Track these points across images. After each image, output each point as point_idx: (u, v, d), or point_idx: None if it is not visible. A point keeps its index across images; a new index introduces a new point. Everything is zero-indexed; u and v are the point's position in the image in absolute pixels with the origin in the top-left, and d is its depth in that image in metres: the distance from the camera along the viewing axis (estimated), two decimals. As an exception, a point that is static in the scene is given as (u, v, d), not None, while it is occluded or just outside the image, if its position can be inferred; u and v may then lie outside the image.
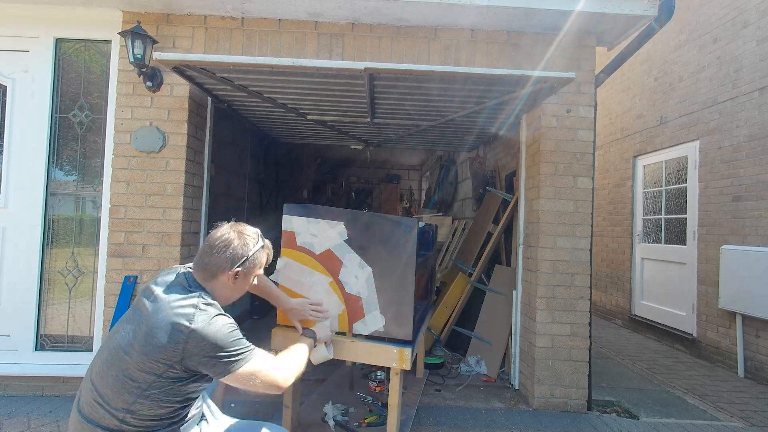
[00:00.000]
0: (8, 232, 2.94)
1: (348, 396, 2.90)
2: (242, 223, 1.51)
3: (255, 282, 1.57)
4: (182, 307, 1.29)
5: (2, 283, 2.93)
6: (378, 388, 2.99)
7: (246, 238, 1.45)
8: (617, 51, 3.13)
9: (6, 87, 2.96)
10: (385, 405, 2.65)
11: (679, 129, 4.91)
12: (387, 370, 2.97)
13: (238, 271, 1.41)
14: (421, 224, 2.73)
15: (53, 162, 3.00)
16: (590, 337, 2.98)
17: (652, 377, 3.78)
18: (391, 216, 2.30)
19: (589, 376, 2.97)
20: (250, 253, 1.44)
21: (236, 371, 1.31)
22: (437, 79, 2.75)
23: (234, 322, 1.38)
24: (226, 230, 1.45)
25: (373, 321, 2.18)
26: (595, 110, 3.04)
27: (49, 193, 2.98)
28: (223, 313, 1.37)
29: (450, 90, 2.96)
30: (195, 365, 1.27)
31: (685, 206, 4.80)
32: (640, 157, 5.70)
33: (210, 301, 1.36)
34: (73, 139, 3.03)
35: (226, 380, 1.32)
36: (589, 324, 2.97)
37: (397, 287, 2.18)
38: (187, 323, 1.25)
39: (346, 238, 2.20)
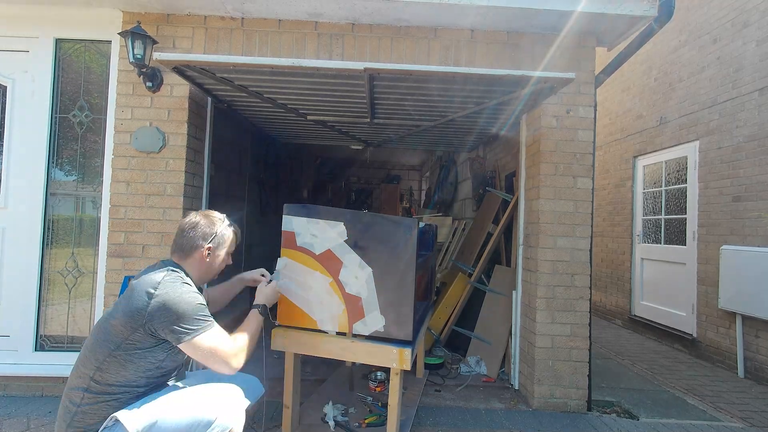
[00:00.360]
0: (8, 232, 2.94)
1: (348, 396, 2.90)
2: (208, 210, 1.75)
3: (228, 261, 1.75)
4: (153, 278, 1.47)
5: (2, 283, 2.93)
6: (378, 389, 3.00)
7: (211, 218, 1.67)
8: (617, 51, 3.13)
9: (6, 87, 2.96)
10: (385, 405, 2.65)
11: (679, 129, 4.91)
12: (387, 370, 2.97)
13: (209, 247, 1.62)
14: (421, 224, 2.73)
15: (53, 162, 3.00)
16: (590, 337, 2.98)
17: (652, 377, 3.78)
18: (392, 216, 2.30)
19: (589, 376, 2.97)
20: (217, 231, 1.66)
21: (191, 340, 1.43)
22: (437, 79, 2.75)
23: (199, 295, 1.52)
24: (193, 215, 1.67)
25: (373, 321, 2.18)
26: (595, 110, 3.04)
27: (49, 193, 2.98)
28: (190, 284, 1.53)
29: (450, 90, 2.96)
30: (156, 329, 1.41)
31: (685, 206, 4.80)
32: (640, 158, 5.70)
33: (179, 275, 1.52)
34: (73, 139, 3.03)
35: (183, 348, 1.45)
36: (589, 324, 2.97)
37: (398, 287, 2.17)
38: (152, 289, 1.43)
39: (346, 238, 2.20)
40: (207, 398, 1.54)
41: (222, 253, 1.69)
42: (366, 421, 2.55)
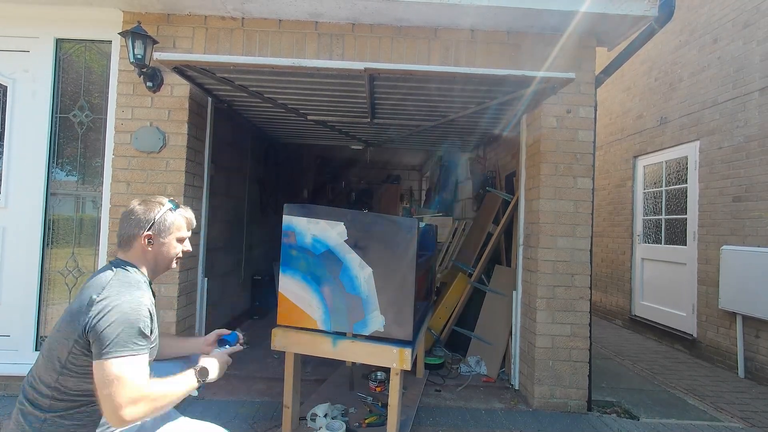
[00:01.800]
0: (8, 232, 2.94)
1: (348, 396, 2.90)
2: (155, 196, 1.60)
3: (185, 248, 1.57)
4: (100, 279, 1.34)
5: (2, 283, 2.93)
6: (378, 389, 3.00)
7: (150, 204, 1.50)
8: (617, 51, 3.13)
9: (6, 87, 2.96)
10: (385, 405, 2.65)
11: (679, 129, 4.91)
12: (387, 370, 2.95)
13: (149, 235, 1.45)
14: (422, 224, 2.72)
15: (54, 162, 3.00)
16: (590, 337, 2.98)
17: (653, 378, 3.78)
18: (392, 216, 2.31)
19: (589, 376, 2.97)
20: (156, 216, 1.47)
21: (104, 359, 1.20)
22: (437, 79, 2.75)
23: (145, 307, 1.32)
24: (133, 202, 1.51)
25: (374, 321, 2.19)
26: (596, 110, 3.04)
27: (49, 193, 2.98)
28: (140, 287, 1.36)
29: (450, 91, 2.96)
30: (91, 340, 1.24)
31: (686, 207, 4.79)
32: (641, 158, 5.70)
33: (128, 275, 1.38)
34: (73, 139, 3.03)
35: (95, 366, 1.22)
36: (590, 324, 2.97)
37: (398, 288, 2.18)
38: (95, 295, 1.28)
39: (347, 238, 2.21)
40: None
41: (169, 240, 1.50)
42: (366, 421, 2.56)
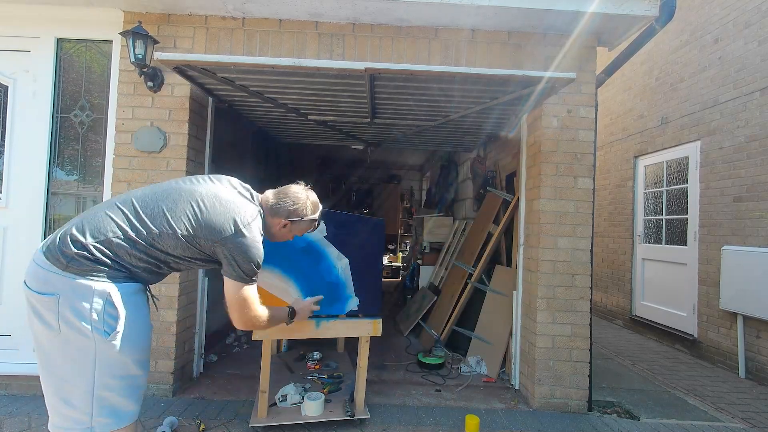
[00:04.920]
0: (9, 232, 2.94)
1: (294, 378, 3.10)
2: (312, 192, 1.88)
3: (289, 238, 1.87)
4: (246, 213, 1.58)
5: (3, 283, 2.93)
6: (317, 366, 3.35)
7: (309, 205, 1.80)
8: (618, 51, 3.13)
9: (7, 87, 2.97)
10: (331, 377, 3.14)
11: (680, 129, 4.90)
12: (322, 350, 3.59)
13: (287, 223, 1.77)
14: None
15: (54, 162, 3.01)
16: (591, 337, 2.98)
17: (653, 378, 3.78)
18: (363, 216, 2.67)
19: (590, 376, 2.97)
20: (306, 218, 1.79)
21: (235, 281, 1.57)
22: (437, 79, 2.74)
23: (263, 254, 1.64)
24: (303, 191, 1.81)
25: (350, 302, 2.58)
26: (596, 110, 3.04)
27: (50, 193, 2.98)
28: (261, 241, 1.65)
29: (450, 90, 2.96)
30: (219, 251, 1.54)
31: (686, 207, 4.79)
32: (641, 158, 5.69)
33: (261, 227, 1.65)
34: (74, 138, 3.03)
35: (227, 281, 1.58)
36: (590, 324, 2.97)
37: (369, 273, 2.62)
38: (242, 226, 1.54)
39: (326, 234, 2.52)
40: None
41: (293, 233, 1.84)
42: (326, 390, 2.85)
